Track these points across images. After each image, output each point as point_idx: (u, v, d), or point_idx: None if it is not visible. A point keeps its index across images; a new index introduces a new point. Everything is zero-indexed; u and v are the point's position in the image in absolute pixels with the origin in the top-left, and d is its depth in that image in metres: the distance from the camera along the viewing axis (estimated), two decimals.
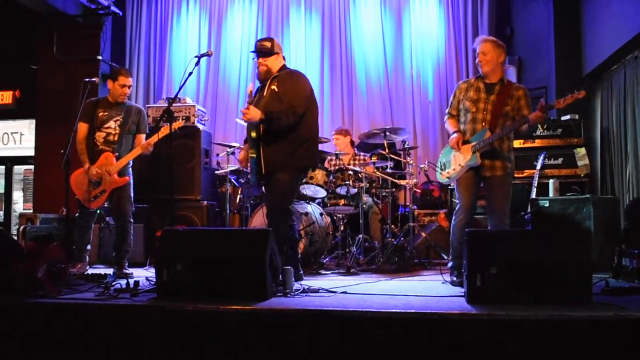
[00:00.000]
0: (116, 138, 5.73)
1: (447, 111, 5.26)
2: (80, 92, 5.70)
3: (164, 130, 5.40)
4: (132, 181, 5.84)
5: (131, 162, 5.82)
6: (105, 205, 5.92)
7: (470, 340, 3.20)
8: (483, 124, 4.87)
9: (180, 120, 7.11)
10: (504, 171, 4.85)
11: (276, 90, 4.89)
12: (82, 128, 5.74)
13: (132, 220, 5.82)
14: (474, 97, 4.95)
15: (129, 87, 5.82)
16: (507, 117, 4.86)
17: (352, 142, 7.83)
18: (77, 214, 5.84)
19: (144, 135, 5.90)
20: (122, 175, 5.69)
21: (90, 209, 5.71)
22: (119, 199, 5.71)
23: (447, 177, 5.12)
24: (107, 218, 6.57)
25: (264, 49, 4.97)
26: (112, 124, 5.74)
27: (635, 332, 3.10)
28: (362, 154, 7.69)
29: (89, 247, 5.91)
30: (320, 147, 8.00)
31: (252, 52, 5.07)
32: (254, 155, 4.90)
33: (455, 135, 5.02)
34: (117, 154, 5.68)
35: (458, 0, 9.38)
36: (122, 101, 5.80)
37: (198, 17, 10.06)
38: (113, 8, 9.10)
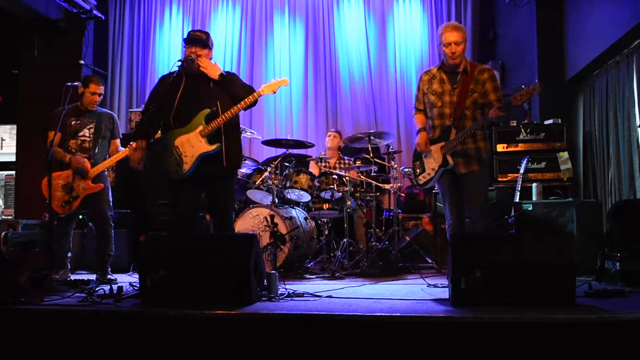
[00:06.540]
0: (90, 145, 5.67)
1: (414, 105, 5.08)
2: (63, 97, 5.63)
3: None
4: (108, 185, 5.80)
5: (106, 170, 5.79)
6: (81, 216, 5.82)
7: (455, 343, 3.20)
8: (451, 119, 4.67)
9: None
10: (479, 165, 4.66)
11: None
12: (57, 137, 5.49)
13: (112, 224, 5.76)
14: (438, 90, 4.74)
15: (100, 95, 5.74)
16: (477, 106, 4.66)
17: (339, 147, 7.82)
18: (55, 222, 5.66)
19: (118, 140, 5.90)
20: (97, 182, 5.63)
21: (61, 214, 5.58)
22: (98, 203, 5.66)
23: (424, 182, 4.96)
24: (90, 223, 6.50)
25: (200, 39, 4.76)
26: (85, 132, 5.69)
27: (618, 334, 3.11)
28: (346, 158, 7.70)
29: (69, 254, 5.84)
30: (304, 150, 8.07)
31: (184, 39, 4.85)
32: (214, 147, 4.67)
33: (419, 136, 4.87)
34: (92, 160, 5.63)
35: (442, 4, 9.51)
36: (92, 109, 5.73)
37: (181, 22, 10.04)
38: (95, 12, 9.01)
